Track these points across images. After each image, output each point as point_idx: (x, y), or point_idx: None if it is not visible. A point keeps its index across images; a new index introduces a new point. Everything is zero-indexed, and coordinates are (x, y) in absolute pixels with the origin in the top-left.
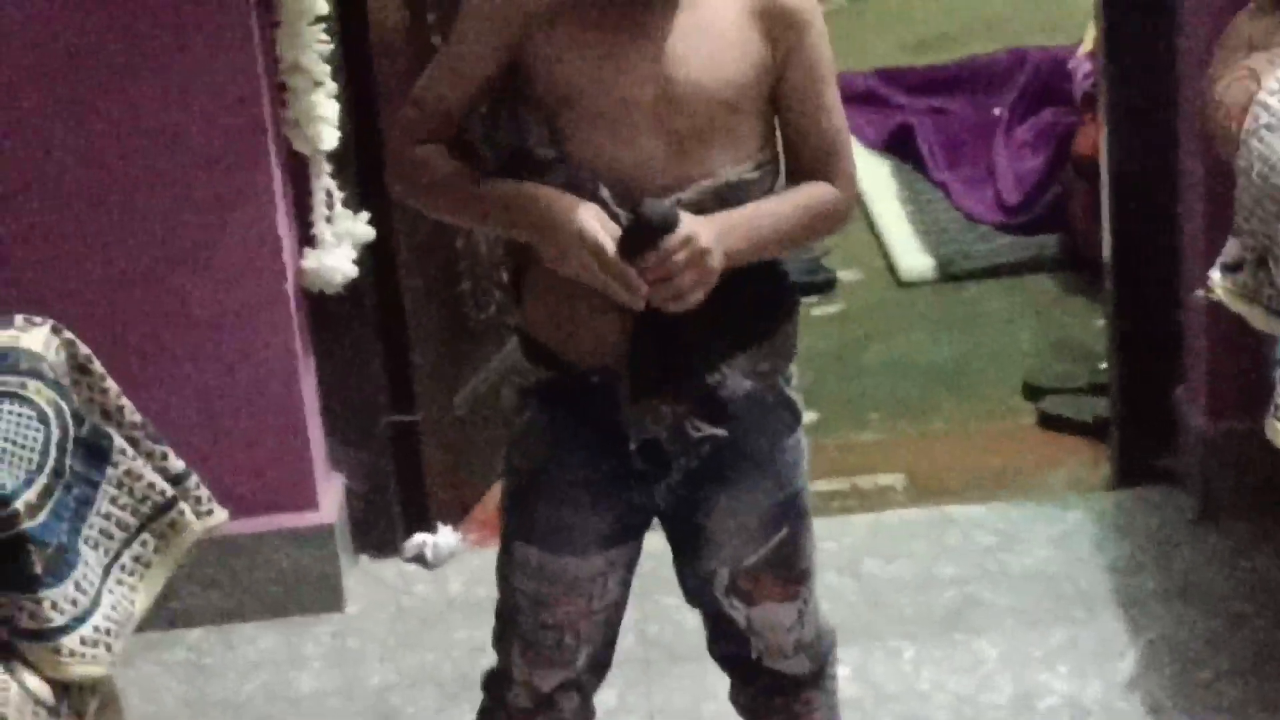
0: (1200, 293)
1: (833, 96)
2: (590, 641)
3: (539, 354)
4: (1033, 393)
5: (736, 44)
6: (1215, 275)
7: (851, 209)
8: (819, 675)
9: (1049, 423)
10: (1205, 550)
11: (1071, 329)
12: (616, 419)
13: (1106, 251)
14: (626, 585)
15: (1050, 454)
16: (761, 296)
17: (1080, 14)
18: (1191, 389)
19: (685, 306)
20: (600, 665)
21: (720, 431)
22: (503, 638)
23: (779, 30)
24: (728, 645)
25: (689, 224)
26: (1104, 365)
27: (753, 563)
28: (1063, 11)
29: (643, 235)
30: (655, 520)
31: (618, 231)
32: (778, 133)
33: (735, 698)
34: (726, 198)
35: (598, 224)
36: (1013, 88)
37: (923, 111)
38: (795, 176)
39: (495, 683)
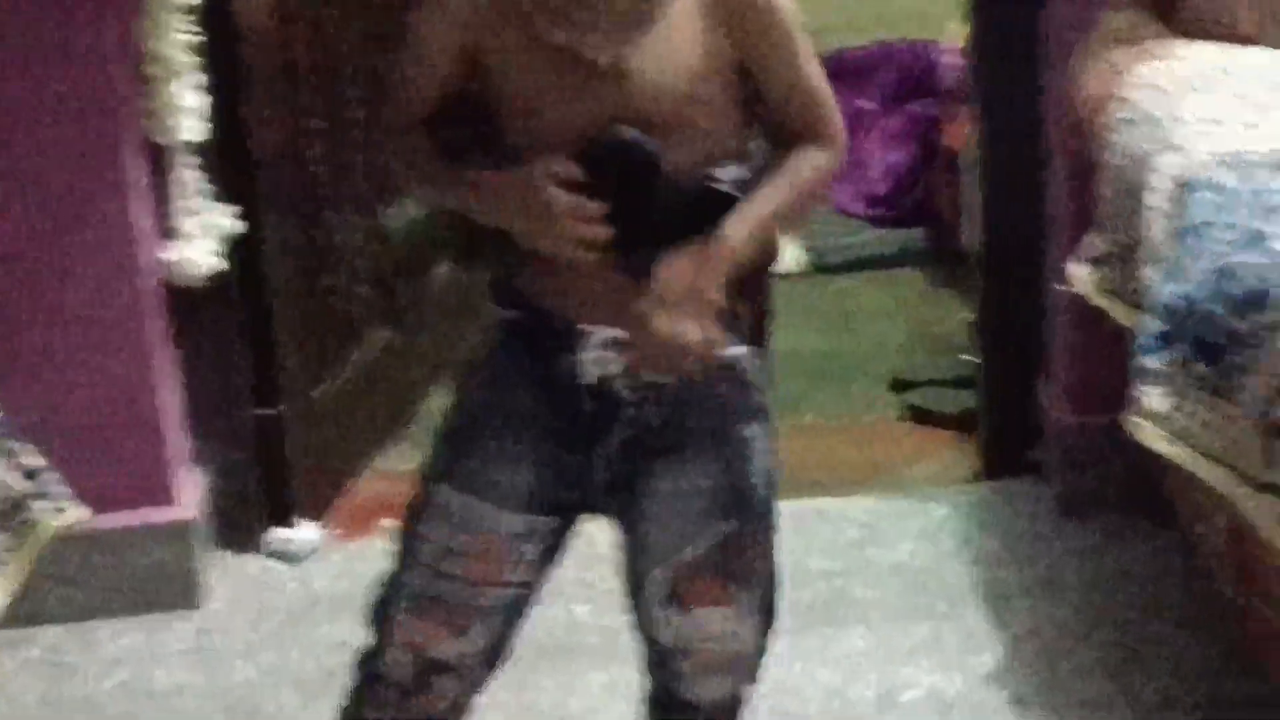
0: (1063, 286)
1: (805, 59)
2: (489, 619)
3: (509, 297)
4: (900, 386)
5: (690, 37)
6: (1078, 268)
7: (841, 160)
8: (733, 709)
9: (916, 416)
10: (1069, 544)
11: (938, 322)
12: (572, 367)
13: (976, 244)
14: (539, 571)
15: (917, 447)
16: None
17: (942, 7)
18: (1054, 382)
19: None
20: (493, 657)
21: (670, 379)
22: (388, 600)
23: (735, 19)
24: (656, 674)
25: (672, 262)
26: (970, 358)
27: (691, 558)
28: (926, 4)
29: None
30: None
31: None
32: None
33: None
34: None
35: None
36: (879, 81)
37: None
38: (782, 139)
39: (370, 659)
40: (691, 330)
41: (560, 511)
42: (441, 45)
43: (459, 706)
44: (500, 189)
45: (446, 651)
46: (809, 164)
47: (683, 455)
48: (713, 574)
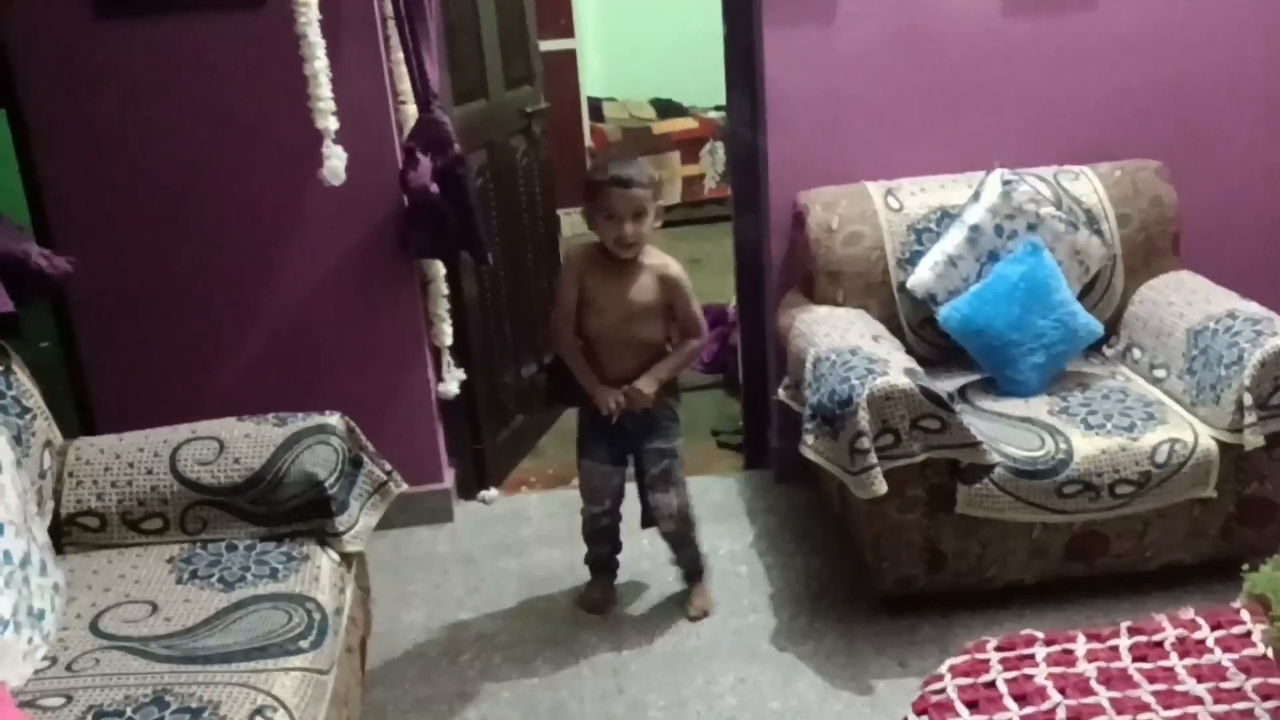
0: (776, 396)
1: (693, 305)
2: (611, 498)
3: (583, 404)
4: (715, 434)
5: (652, 289)
6: (781, 391)
7: (704, 347)
8: (686, 533)
9: (722, 445)
10: (781, 495)
11: (730, 410)
12: (610, 420)
13: (742, 379)
14: (623, 484)
15: (721, 458)
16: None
17: (729, 288)
18: (773, 429)
19: (641, 407)
20: (616, 514)
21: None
22: (582, 496)
23: (667, 285)
24: (650, 516)
25: (639, 382)
26: (742, 423)
27: (655, 472)
28: (722, 286)
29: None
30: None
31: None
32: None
33: (660, 532)
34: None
35: (610, 397)
36: (709, 320)
37: None
38: (681, 333)
39: (586, 515)
40: (645, 400)
41: (619, 462)
42: (574, 281)
43: (613, 527)
44: (599, 387)
45: (599, 509)
46: (689, 349)
47: (650, 437)
48: (663, 480)
